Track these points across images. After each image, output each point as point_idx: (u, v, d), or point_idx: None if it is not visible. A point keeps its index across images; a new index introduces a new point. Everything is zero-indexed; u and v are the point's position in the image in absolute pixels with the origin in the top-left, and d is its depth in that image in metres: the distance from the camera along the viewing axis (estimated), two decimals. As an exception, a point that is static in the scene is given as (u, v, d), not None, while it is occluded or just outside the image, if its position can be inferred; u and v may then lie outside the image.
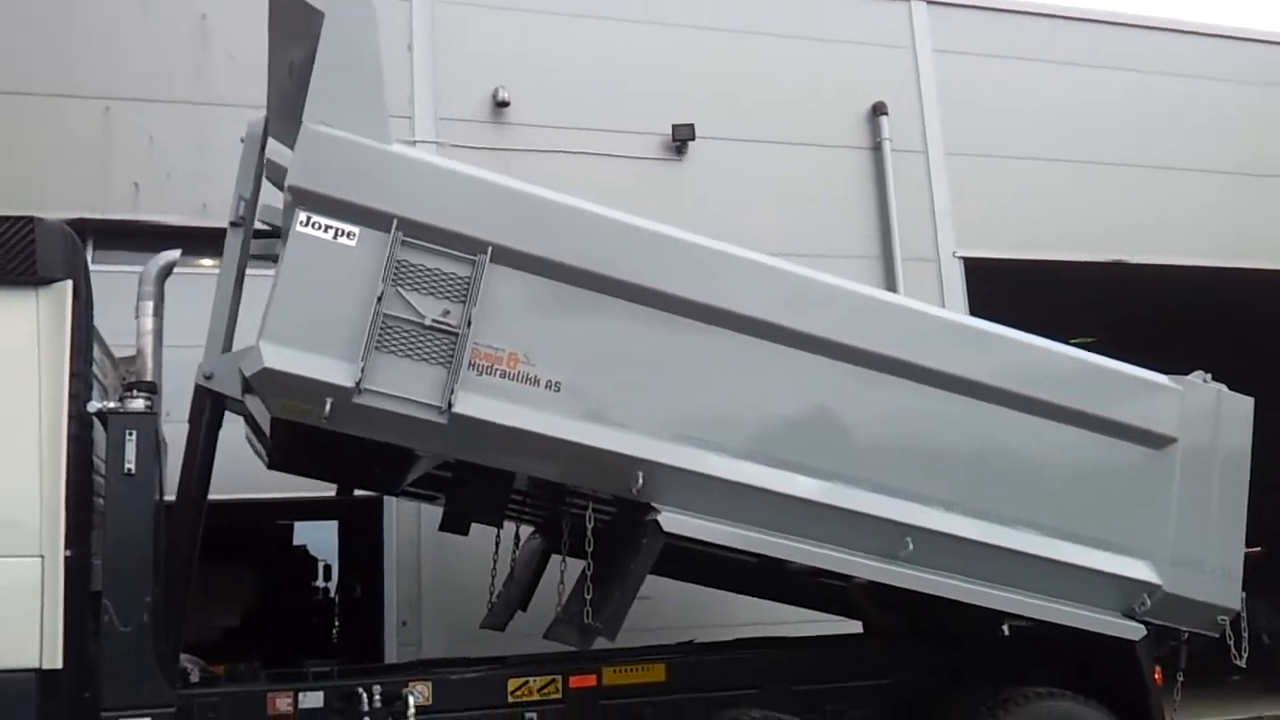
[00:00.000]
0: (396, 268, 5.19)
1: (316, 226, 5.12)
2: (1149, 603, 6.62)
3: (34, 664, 4.98)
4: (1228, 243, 13.95)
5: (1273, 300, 15.15)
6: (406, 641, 10.13)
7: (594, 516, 5.92)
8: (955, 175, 13.08)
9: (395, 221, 5.18)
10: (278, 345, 5.05)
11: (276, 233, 6.34)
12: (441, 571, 10.16)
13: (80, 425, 5.30)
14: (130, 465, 5.33)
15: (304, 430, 5.62)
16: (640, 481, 5.56)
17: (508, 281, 5.38)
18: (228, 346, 5.94)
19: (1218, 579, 6.84)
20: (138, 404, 5.46)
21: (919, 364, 6.23)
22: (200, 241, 10.34)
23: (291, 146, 5.41)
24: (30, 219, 5.31)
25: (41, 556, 5.07)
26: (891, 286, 11.86)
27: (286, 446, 6.53)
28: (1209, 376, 7.15)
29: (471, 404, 5.24)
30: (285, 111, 5.80)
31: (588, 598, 5.77)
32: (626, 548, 5.80)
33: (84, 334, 5.43)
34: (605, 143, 11.45)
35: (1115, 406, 6.74)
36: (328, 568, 19.38)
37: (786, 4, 12.88)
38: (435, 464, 6.29)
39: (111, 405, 5.46)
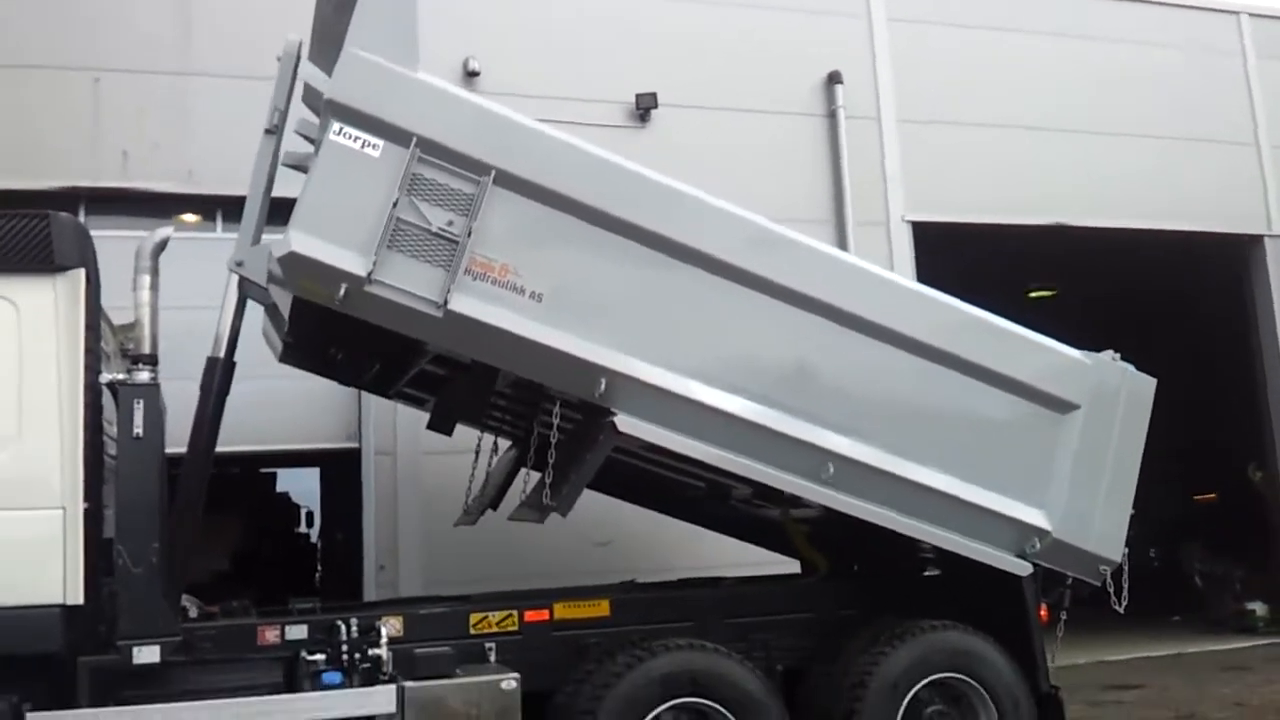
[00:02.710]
0: (412, 179, 5.81)
1: (347, 136, 5.76)
2: (1039, 545, 7.19)
3: (59, 600, 5.65)
4: (1164, 206, 14.50)
5: (1205, 260, 15.83)
6: (384, 583, 10.86)
7: (561, 414, 6.61)
8: (906, 141, 13.58)
9: (415, 139, 5.80)
10: (305, 234, 5.70)
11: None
12: (416, 522, 10.91)
13: (94, 394, 5.94)
14: (139, 430, 5.98)
15: (318, 325, 6.42)
16: (602, 387, 6.22)
17: (507, 202, 5.99)
18: (256, 241, 6.46)
19: (1103, 533, 7.34)
20: (144, 375, 6.12)
21: (857, 314, 6.83)
22: (186, 206, 10.99)
23: (325, 69, 6.14)
24: (46, 214, 5.87)
25: (63, 509, 5.70)
26: (842, 249, 12.43)
27: (299, 338, 7.32)
28: (1118, 355, 7.73)
29: (465, 304, 5.89)
30: (324, 37, 6.43)
31: (548, 482, 6.53)
32: (585, 444, 6.57)
33: (95, 314, 6.04)
34: (572, 111, 11.78)
35: (1030, 372, 7.33)
36: (310, 514, 19.87)
37: (748, -27, 13.20)
38: (428, 360, 6.96)
39: (121, 377, 6.11)
